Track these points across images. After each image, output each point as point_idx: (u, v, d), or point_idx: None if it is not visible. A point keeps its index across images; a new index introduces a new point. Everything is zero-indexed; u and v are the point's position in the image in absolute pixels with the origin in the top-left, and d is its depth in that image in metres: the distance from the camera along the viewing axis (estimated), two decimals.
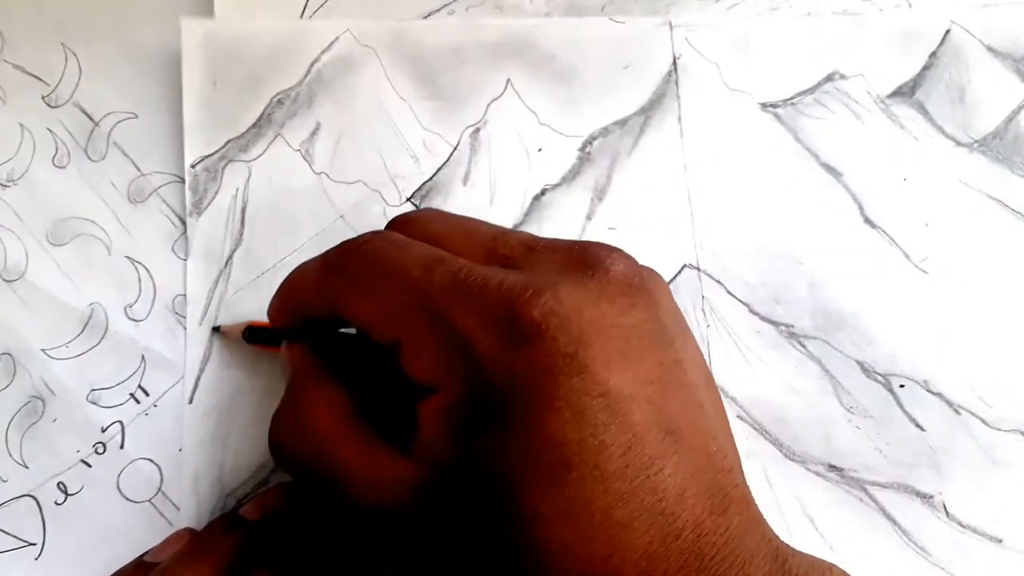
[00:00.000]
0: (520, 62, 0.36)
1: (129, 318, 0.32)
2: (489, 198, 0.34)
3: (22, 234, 0.33)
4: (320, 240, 0.33)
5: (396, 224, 0.26)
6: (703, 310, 0.34)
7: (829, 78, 0.36)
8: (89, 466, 0.31)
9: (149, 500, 0.31)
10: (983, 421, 0.33)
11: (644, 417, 0.20)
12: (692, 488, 0.20)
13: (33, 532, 0.31)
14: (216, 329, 0.32)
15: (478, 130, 0.35)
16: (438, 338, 0.21)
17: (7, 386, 0.32)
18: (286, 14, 0.35)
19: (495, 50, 0.36)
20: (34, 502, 0.31)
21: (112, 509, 0.31)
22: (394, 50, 0.35)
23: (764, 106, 0.36)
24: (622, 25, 0.36)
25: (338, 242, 0.25)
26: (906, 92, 0.36)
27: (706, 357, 0.33)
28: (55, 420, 0.31)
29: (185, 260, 0.33)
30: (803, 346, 0.34)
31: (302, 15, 0.35)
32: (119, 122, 0.34)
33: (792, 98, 0.36)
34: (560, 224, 0.34)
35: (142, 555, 0.30)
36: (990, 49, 0.37)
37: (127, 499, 0.31)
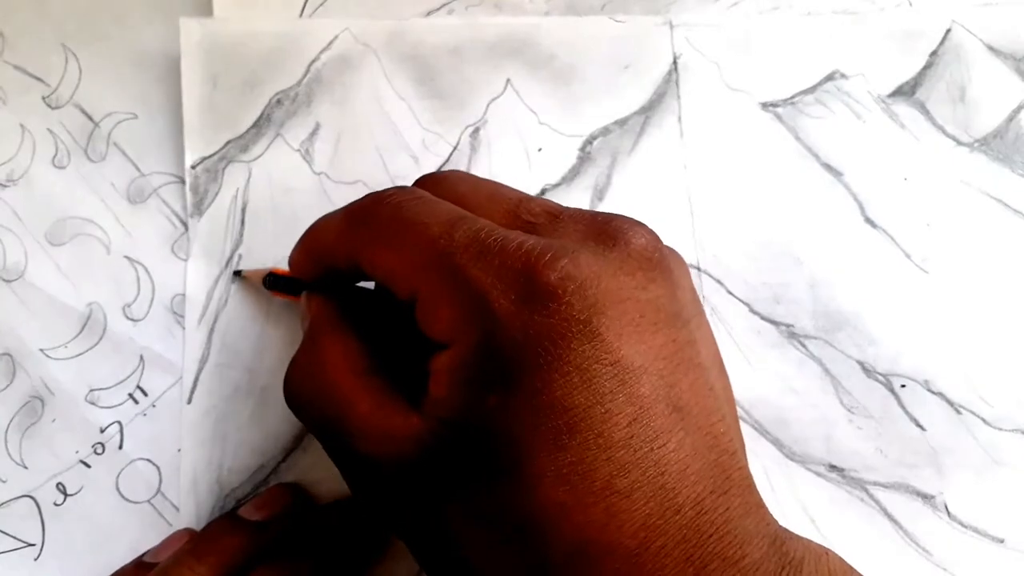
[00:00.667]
0: (520, 61, 0.36)
1: (128, 318, 0.32)
2: None
3: (21, 234, 0.33)
4: None
5: (422, 182, 0.26)
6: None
7: (829, 77, 0.36)
8: (88, 466, 0.31)
9: (148, 500, 0.31)
10: (984, 421, 0.33)
11: (653, 390, 0.20)
12: (695, 465, 0.20)
13: (32, 533, 0.31)
14: (238, 273, 0.32)
15: (478, 130, 0.35)
16: (455, 294, 0.21)
17: (7, 386, 0.32)
18: (285, 14, 0.35)
19: (495, 49, 0.36)
20: (33, 503, 0.31)
21: (111, 510, 0.31)
22: (393, 49, 0.35)
23: (764, 105, 0.36)
24: (622, 24, 0.36)
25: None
26: (907, 91, 0.36)
27: None
28: (54, 420, 0.31)
29: (184, 260, 0.33)
30: (804, 346, 0.33)
31: (301, 14, 0.35)
32: (119, 123, 0.34)
33: (792, 97, 0.36)
34: None
35: (141, 555, 0.30)
36: (991, 48, 0.37)
37: (126, 500, 0.31)
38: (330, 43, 0.35)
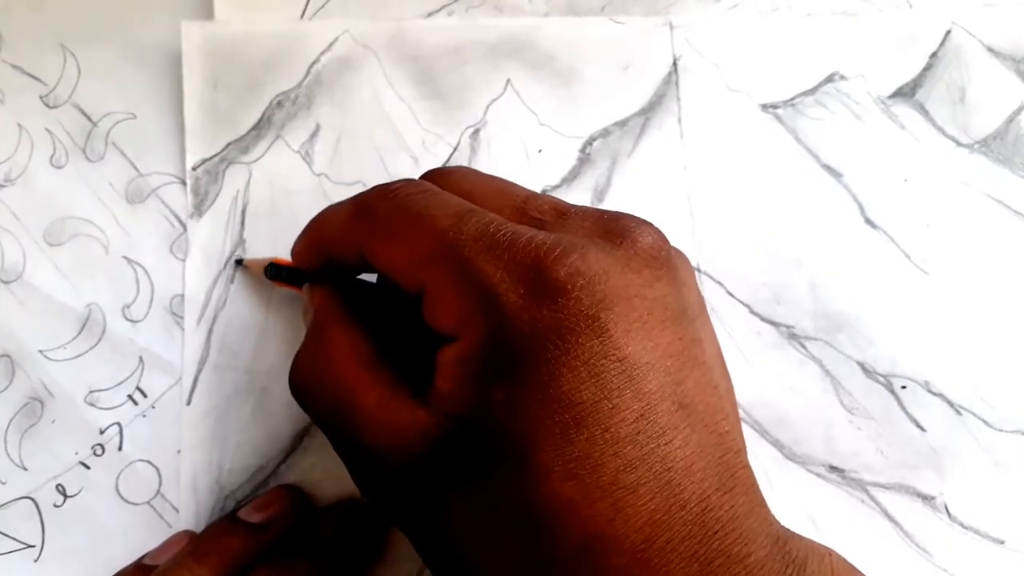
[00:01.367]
0: (520, 62, 0.36)
1: (127, 319, 0.32)
2: None
3: (19, 234, 0.33)
4: None
5: (429, 176, 0.26)
6: None
7: (829, 79, 0.36)
8: (88, 468, 0.31)
9: (148, 502, 0.31)
10: (985, 422, 0.33)
11: (659, 387, 0.20)
12: (701, 463, 0.20)
13: (32, 534, 0.31)
14: (239, 262, 0.32)
15: (478, 131, 0.35)
16: (463, 287, 0.21)
17: (6, 388, 0.32)
18: (286, 16, 0.35)
19: (495, 50, 0.36)
20: (33, 504, 0.31)
21: (111, 511, 0.31)
22: (393, 51, 0.35)
23: (764, 107, 0.36)
24: (622, 26, 0.36)
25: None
26: (907, 93, 0.36)
27: None
28: (54, 422, 0.31)
29: (183, 261, 0.33)
30: (804, 347, 0.33)
31: (302, 16, 0.35)
32: (118, 123, 0.34)
33: (792, 99, 0.36)
34: None
35: (141, 557, 0.30)
36: (991, 50, 0.37)
37: (126, 501, 0.31)
38: (330, 45, 0.35)
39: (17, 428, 0.31)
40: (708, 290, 0.34)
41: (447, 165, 0.26)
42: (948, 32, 0.37)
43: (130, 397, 0.32)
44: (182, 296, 0.32)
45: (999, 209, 0.35)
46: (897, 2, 0.37)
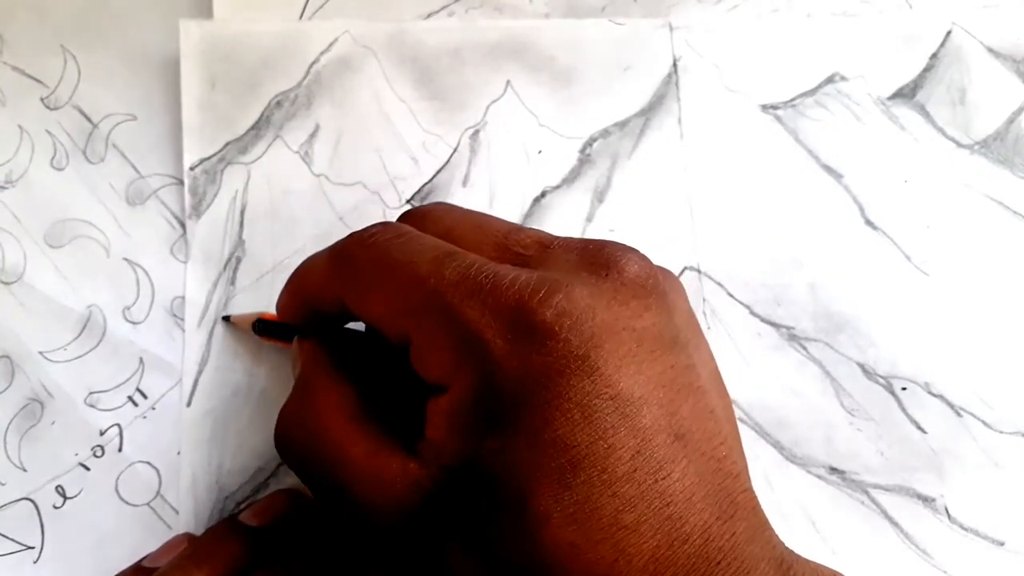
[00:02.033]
0: (520, 63, 0.36)
1: (127, 320, 0.32)
2: (489, 200, 0.34)
3: (20, 236, 0.33)
4: (320, 242, 0.33)
5: (407, 217, 0.26)
6: (704, 312, 0.34)
7: (829, 80, 0.36)
8: (87, 469, 0.31)
9: (148, 504, 0.31)
10: (985, 423, 0.33)
11: (654, 421, 0.20)
12: (700, 493, 0.20)
13: (31, 536, 0.31)
14: (226, 319, 0.32)
15: (478, 132, 0.35)
16: (448, 336, 0.21)
17: (6, 389, 0.32)
18: (285, 16, 0.35)
19: (495, 51, 0.36)
20: (32, 505, 0.31)
21: (111, 513, 0.31)
22: (393, 51, 0.35)
23: (764, 108, 0.36)
24: (622, 27, 0.36)
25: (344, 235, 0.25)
26: (907, 94, 0.36)
27: None
28: (53, 423, 0.31)
29: (184, 262, 0.33)
30: (804, 348, 0.33)
31: (301, 16, 0.35)
32: (118, 124, 0.34)
33: (792, 100, 0.36)
34: (560, 226, 0.34)
35: (140, 560, 0.30)
36: (991, 50, 0.37)
37: (126, 503, 0.31)
38: (330, 45, 0.35)
39: (17, 429, 0.31)
40: (708, 291, 0.34)
41: (424, 204, 0.26)
42: (948, 33, 0.37)
43: (130, 398, 0.32)
44: (183, 298, 0.32)
45: (999, 210, 0.35)
46: (897, 3, 0.37)
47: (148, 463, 0.31)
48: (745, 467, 0.22)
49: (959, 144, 0.36)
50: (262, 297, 0.32)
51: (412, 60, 0.35)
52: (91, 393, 0.32)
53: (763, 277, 0.34)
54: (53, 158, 0.34)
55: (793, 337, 0.34)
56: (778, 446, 0.33)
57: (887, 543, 0.32)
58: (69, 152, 0.34)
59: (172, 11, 0.35)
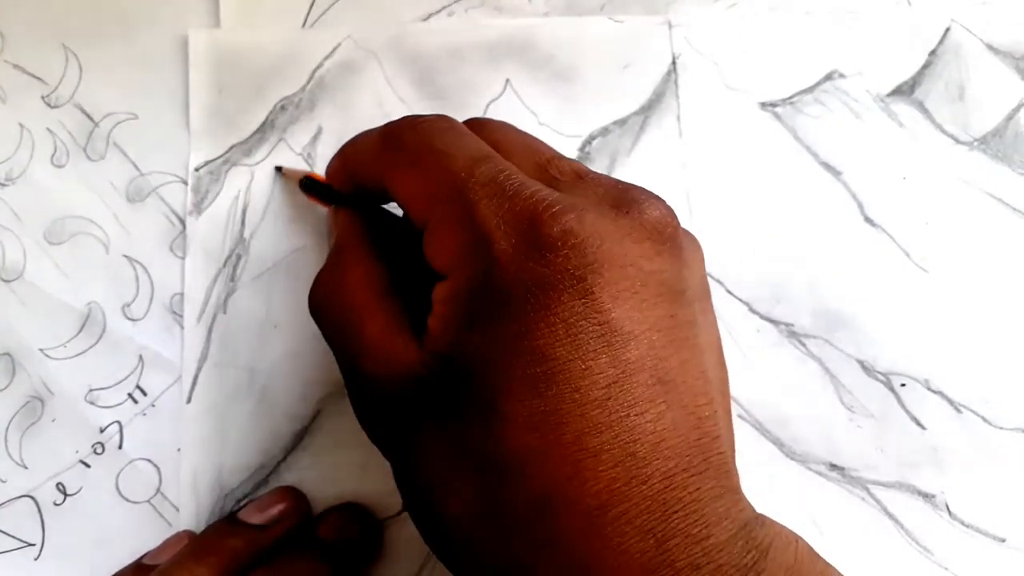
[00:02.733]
0: (519, 62, 0.36)
1: (127, 317, 0.32)
2: None
3: (20, 233, 0.33)
4: (321, 241, 0.33)
5: (469, 122, 0.26)
6: None
7: (828, 77, 0.36)
8: (88, 466, 0.31)
9: (148, 501, 0.31)
10: (985, 419, 0.33)
11: (639, 358, 0.20)
12: (671, 440, 0.20)
13: (32, 533, 0.31)
14: (278, 169, 0.33)
15: None
16: (460, 226, 0.22)
17: (6, 386, 0.32)
18: (289, 23, 0.35)
19: (494, 50, 0.36)
20: (33, 502, 0.31)
21: (111, 510, 0.31)
22: (394, 53, 0.35)
23: (763, 105, 0.36)
24: (621, 24, 0.36)
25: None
26: (905, 90, 0.36)
27: None
28: (54, 420, 0.31)
29: (183, 259, 0.33)
30: (803, 345, 0.33)
31: (304, 24, 0.36)
32: (119, 123, 0.34)
33: (791, 97, 0.36)
34: None
35: (141, 557, 0.30)
36: (990, 47, 0.37)
37: (126, 500, 0.31)
38: (333, 50, 0.35)
39: (17, 427, 0.31)
40: None
41: (483, 117, 0.27)
42: (947, 30, 0.37)
43: (130, 395, 0.32)
44: (182, 294, 0.32)
45: (998, 207, 0.35)
46: (896, 0, 0.37)
47: (148, 460, 0.31)
48: (729, 437, 0.23)
49: (958, 141, 0.36)
50: (262, 294, 0.33)
51: (412, 61, 0.35)
52: (91, 390, 0.32)
53: (762, 274, 0.34)
54: (53, 156, 0.34)
55: (792, 334, 0.34)
56: (778, 443, 0.33)
57: (887, 540, 0.32)
58: (70, 150, 0.34)
59: (173, 10, 0.35)
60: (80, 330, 0.32)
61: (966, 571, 0.31)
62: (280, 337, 0.32)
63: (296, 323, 0.32)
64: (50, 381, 0.32)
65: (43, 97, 0.34)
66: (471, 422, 0.21)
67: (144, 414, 0.32)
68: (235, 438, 0.31)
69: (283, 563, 0.29)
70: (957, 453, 0.32)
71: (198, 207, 0.33)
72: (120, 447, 0.31)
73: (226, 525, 0.30)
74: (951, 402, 0.33)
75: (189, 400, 0.32)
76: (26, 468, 0.31)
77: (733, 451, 0.22)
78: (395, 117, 0.34)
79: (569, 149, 0.35)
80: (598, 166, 0.35)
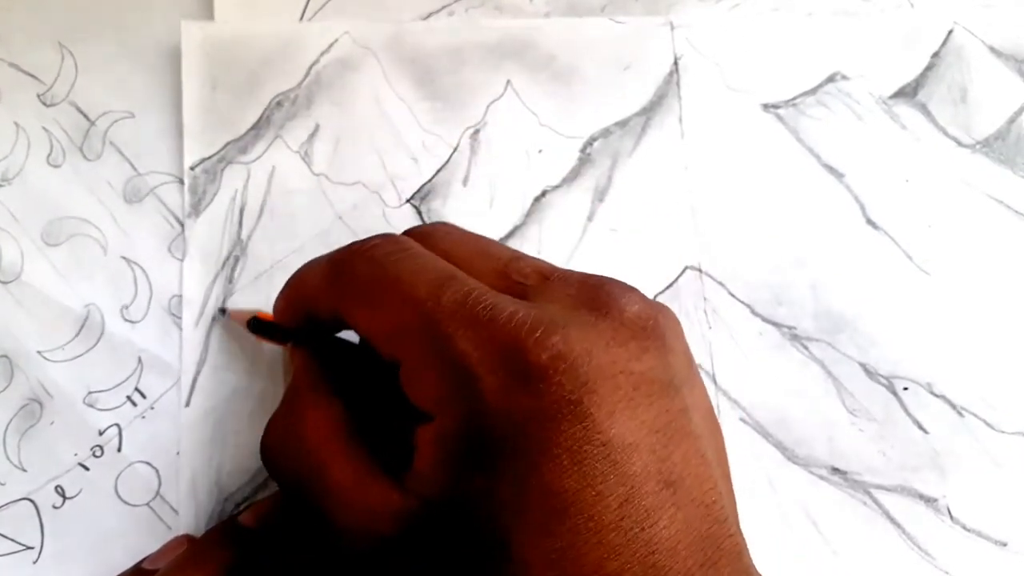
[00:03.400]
0: (520, 63, 0.35)
1: (125, 319, 0.32)
2: (489, 200, 0.34)
3: (17, 234, 0.33)
4: (319, 241, 0.33)
5: (410, 233, 0.25)
6: (705, 312, 0.33)
7: (831, 79, 0.36)
8: (87, 469, 0.31)
9: (147, 504, 0.31)
10: (987, 423, 0.33)
11: (644, 468, 0.20)
12: (686, 540, 0.20)
13: (31, 536, 0.30)
14: (223, 311, 0.32)
15: (478, 131, 0.35)
16: (440, 364, 0.21)
17: (4, 389, 0.31)
18: (285, 17, 0.35)
19: (495, 51, 0.35)
20: (32, 505, 0.31)
21: (110, 513, 0.31)
22: (393, 51, 0.35)
23: (766, 107, 0.36)
24: (623, 25, 0.36)
25: (344, 243, 0.24)
26: (908, 93, 0.36)
27: (708, 360, 0.33)
28: (52, 423, 0.31)
29: (182, 261, 0.33)
30: (805, 348, 0.33)
31: (301, 17, 0.35)
32: (115, 121, 0.34)
33: (794, 99, 0.36)
34: (561, 226, 0.34)
35: (140, 561, 0.30)
36: (992, 50, 0.37)
37: (125, 503, 0.31)
38: (330, 46, 0.35)
39: (16, 429, 0.31)
40: (709, 291, 0.34)
41: (426, 224, 0.26)
42: (950, 32, 0.37)
43: (129, 398, 0.32)
44: (180, 296, 0.32)
45: (1001, 210, 0.35)
46: (899, 2, 0.37)
47: (147, 463, 0.31)
48: (734, 510, 0.22)
49: (960, 143, 0.36)
50: (260, 295, 0.32)
51: (412, 60, 0.35)
52: (90, 393, 0.31)
53: (764, 277, 0.34)
54: (49, 155, 0.33)
55: (795, 337, 0.33)
56: (780, 446, 0.32)
57: (889, 544, 0.32)
58: (66, 149, 0.33)
59: (170, 8, 0.35)
60: (79, 332, 0.32)
61: (968, 575, 0.31)
62: None
63: None
64: (48, 384, 0.31)
65: (39, 95, 0.34)
66: (483, 571, 0.20)
67: (143, 417, 0.31)
68: (234, 441, 0.31)
69: (283, 568, 0.29)
70: (959, 457, 0.33)
71: (196, 208, 0.33)
72: (119, 450, 0.31)
73: (226, 529, 0.29)
74: (953, 406, 0.33)
75: (188, 403, 0.31)
76: (25, 471, 0.31)
77: (737, 519, 0.22)
78: (395, 117, 0.34)
79: (570, 150, 0.35)
80: (599, 167, 0.34)
